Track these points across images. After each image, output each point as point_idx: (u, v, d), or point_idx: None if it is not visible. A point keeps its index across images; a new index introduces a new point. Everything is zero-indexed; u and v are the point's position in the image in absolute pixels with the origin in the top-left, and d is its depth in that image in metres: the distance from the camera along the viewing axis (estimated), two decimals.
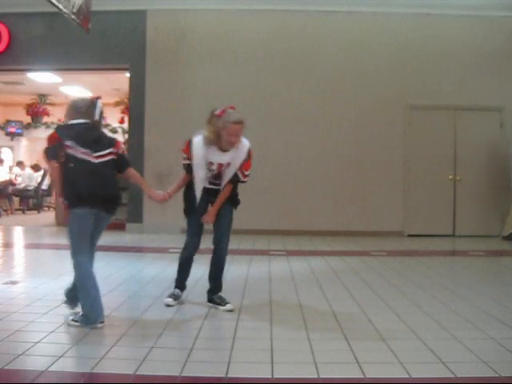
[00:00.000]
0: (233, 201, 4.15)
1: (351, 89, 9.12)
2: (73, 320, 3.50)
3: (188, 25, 9.16)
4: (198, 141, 3.97)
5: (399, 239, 8.86)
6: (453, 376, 2.69)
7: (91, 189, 3.53)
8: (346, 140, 9.12)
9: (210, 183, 4.06)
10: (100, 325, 3.45)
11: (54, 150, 3.54)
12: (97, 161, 3.55)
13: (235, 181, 4.09)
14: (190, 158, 4.00)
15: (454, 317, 3.88)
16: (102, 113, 3.75)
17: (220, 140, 3.90)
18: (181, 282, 4.27)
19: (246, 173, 4.08)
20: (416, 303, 4.27)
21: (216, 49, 9.12)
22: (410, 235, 9.10)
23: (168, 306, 4.04)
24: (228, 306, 4.00)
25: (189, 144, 4.01)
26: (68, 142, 3.50)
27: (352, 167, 9.11)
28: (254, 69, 8.96)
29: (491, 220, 9.19)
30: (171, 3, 9.07)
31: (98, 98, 3.77)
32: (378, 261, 6.57)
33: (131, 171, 3.82)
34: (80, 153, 3.51)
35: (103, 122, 3.85)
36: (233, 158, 3.98)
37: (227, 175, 4.03)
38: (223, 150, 3.94)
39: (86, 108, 3.67)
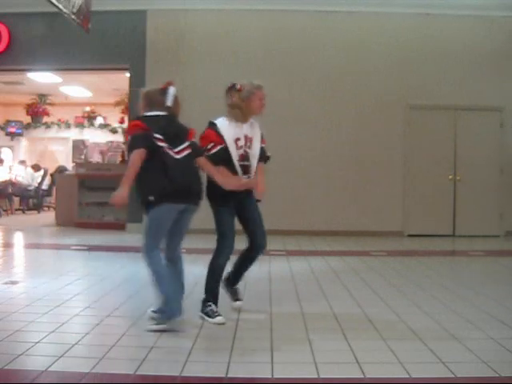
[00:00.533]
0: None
1: (351, 89, 9.12)
2: (154, 324, 3.45)
3: (188, 25, 9.16)
4: (221, 120, 3.80)
5: (399, 239, 8.85)
6: (453, 376, 2.69)
7: (180, 184, 3.40)
8: (346, 140, 9.12)
9: (241, 167, 3.76)
10: (178, 318, 3.42)
11: (144, 136, 3.35)
12: (178, 156, 3.44)
13: (265, 157, 3.97)
14: (219, 141, 3.71)
15: (454, 317, 3.88)
16: (176, 99, 3.59)
17: (243, 112, 3.79)
18: (216, 294, 3.81)
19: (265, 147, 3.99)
20: (416, 303, 4.27)
21: (216, 49, 9.12)
22: (409, 235, 9.10)
23: (222, 323, 3.63)
24: (238, 304, 3.97)
25: (212, 128, 3.78)
26: (157, 135, 3.37)
27: (352, 167, 9.11)
28: (254, 69, 8.95)
29: (491, 220, 9.19)
30: (171, 3, 9.07)
31: (170, 83, 3.60)
32: (378, 261, 6.57)
33: (202, 160, 3.64)
34: (168, 149, 3.40)
35: (179, 110, 3.63)
36: (253, 130, 3.86)
37: (254, 153, 3.83)
38: (242, 122, 3.80)
39: (159, 97, 3.55)
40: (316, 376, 2.69)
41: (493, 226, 9.19)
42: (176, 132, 3.52)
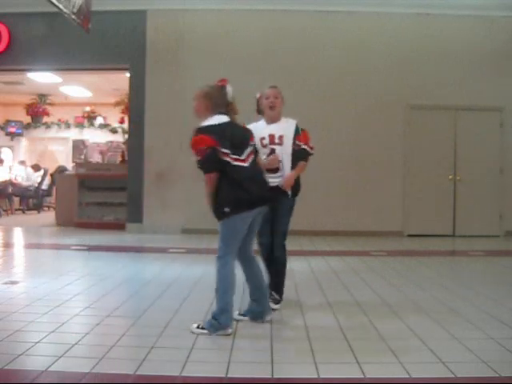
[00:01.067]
0: (292, 188, 4.06)
1: (351, 89, 9.12)
2: (198, 327, 3.40)
3: (188, 25, 9.16)
4: (253, 124, 4.05)
5: (399, 239, 8.85)
6: (453, 376, 2.69)
7: (253, 192, 3.45)
8: (346, 140, 9.11)
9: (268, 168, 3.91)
10: (230, 331, 3.36)
11: (213, 159, 3.37)
12: (246, 164, 3.47)
13: (305, 154, 4.11)
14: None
15: (454, 317, 3.88)
16: (231, 96, 3.61)
17: (261, 114, 4.14)
18: (279, 288, 4.15)
19: (310, 145, 4.18)
20: (416, 303, 4.27)
21: (216, 49, 9.11)
22: (409, 235, 9.10)
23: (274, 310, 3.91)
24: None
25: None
26: (224, 149, 3.38)
27: (352, 167, 9.11)
28: (254, 69, 8.95)
29: (491, 220, 9.19)
30: (171, 3, 9.06)
31: (224, 80, 3.63)
32: (378, 261, 6.57)
33: (259, 159, 3.73)
34: (233, 159, 3.41)
35: (236, 107, 3.64)
36: (283, 129, 4.04)
37: (284, 150, 3.99)
38: (269, 122, 4.09)
39: (220, 95, 3.56)
40: (316, 376, 2.69)
41: (493, 226, 9.18)
42: (241, 140, 3.53)
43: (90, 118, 15.66)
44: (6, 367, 2.69)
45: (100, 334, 3.42)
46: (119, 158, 10.88)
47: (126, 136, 10.68)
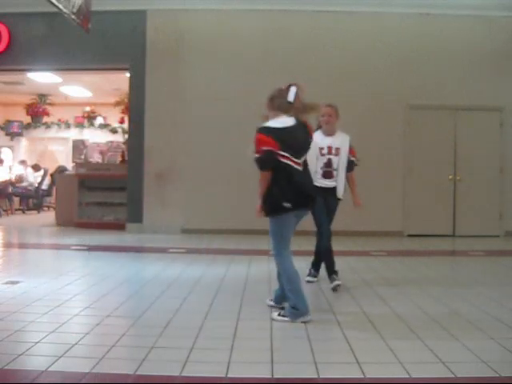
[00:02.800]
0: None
1: (351, 89, 9.12)
2: (280, 315, 3.71)
3: (188, 25, 9.15)
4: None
5: (399, 239, 8.85)
6: (453, 376, 2.69)
7: (303, 194, 3.75)
8: None
9: (324, 175, 4.78)
10: (309, 317, 3.66)
11: (270, 158, 3.63)
12: (300, 167, 3.75)
13: (353, 165, 4.92)
14: None
15: (454, 317, 3.88)
16: (296, 95, 3.84)
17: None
18: (327, 266, 4.85)
19: (357, 157, 4.99)
20: (416, 303, 4.27)
21: (216, 49, 9.12)
22: (409, 235, 9.10)
23: (309, 281, 4.92)
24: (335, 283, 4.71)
25: None
26: (282, 152, 3.64)
27: None
28: (254, 69, 8.95)
29: (491, 220, 9.19)
30: (171, 3, 9.06)
31: (292, 84, 3.88)
32: (378, 261, 6.58)
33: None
34: (292, 162, 3.68)
35: (299, 105, 3.88)
36: (340, 143, 4.84)
37: (341, 163, 4.78)
38: (325, 135, 4.85)
39: (280, 99, 3.82)
40: (316, 376, 2.69)
41: (493, 226, 9.18)
42: (301, 145, 3.78)
43: (90, 118, 15.66)
44: (5, 367, 2.69)
45: (100, 334, 3.42)
46: (119, 158, 10.87)
47: (126, 136, 10.68)
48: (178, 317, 3.78)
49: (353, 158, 4.93)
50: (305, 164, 3.83)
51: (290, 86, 3.90)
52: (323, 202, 4.69)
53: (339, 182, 4.84)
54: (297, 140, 3.73)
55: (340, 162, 4.80)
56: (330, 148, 4.79)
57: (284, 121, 3.74)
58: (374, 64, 9.13)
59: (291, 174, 3.66)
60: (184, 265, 5.97)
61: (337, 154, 4.81)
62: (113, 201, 9.68)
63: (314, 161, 4.60)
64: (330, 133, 4.86)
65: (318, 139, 4.68)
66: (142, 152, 9.12)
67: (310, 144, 3.88)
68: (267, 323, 3.65)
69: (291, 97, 3.83)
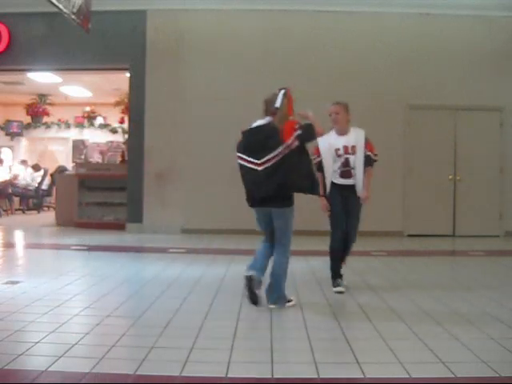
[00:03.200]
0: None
1: (351, 89, 9.11)
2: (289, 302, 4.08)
3: (188, 25, 9.15)
4: (324, 136, 4.50)
5: (399, 239, 8.85)
6: (453, 376, 2.69)
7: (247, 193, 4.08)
8: None
9: (342, 174, 4.68)
10: (290, 303, 4.07)
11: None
12: (261, 168, 3.92)
13: (370, 160, 4.78)
14: (319, 154, 4.71)
15: (454, 317, 3.88)
16: (282, 100, 3.97)
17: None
18: (334, 270, 4.76)
19: (375, 152, 4.87)
20: (416, 303, 4.27)
21: (216, 49, 9.11)
22: (409, 235, 9.10)
23: (340, 292, 4.60)
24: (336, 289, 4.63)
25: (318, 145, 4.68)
26: (240, 154, 4.01)
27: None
28: (254, 69, 8.95)
29: (491, 220, 9.19)
30: (171, 3, 9.06)
31: (282, 88, 4.03)
32: (378, 261, 6.58)
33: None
34: (246, 162, 3.95)
35: (279, 114, 3.98)
36: (355, 140, 4.69)
37: (357, 160, 4.66)
38: (339, 134, 4.72)
39: (270, 104, 4.01)
40: (316, 376, 2.69)
41: (493, 226, 9.18)
42: (257, 147, 3.90)
43: (90, 118, 15.65)
44: (5, 367, 2.69)
45: (100, 334, 3.42)
46: (119, 158, 10.87)
47: (126, 136, 10.68)
48: (178, 317, 3.78)
49: (369, 153, 4.79)
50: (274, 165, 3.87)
51: (280, 90, 4.00)
52: (341, 201, 4.68)
53: (358, 180, 4.73)
54: (250, 141, 3.94)
55: (357, 160, 4.70)
56: (346, 148, 4.68)
57: (257, 122, 4.00)
58: (374, 64, 9.13)
59: (243, 174, 3.98)
60: (184, 265, 5.97)
61: (353, 153, 4.69)
62: (113, 201, 9.68)
63: (330, 162, 4.64)
64: (342, 132, 4.74)
65: (332, 140, 4.67)
66: (142, 152, 9.11)
67: (272, 145, 3.86)
68: (267, 323, 3.65)
69: (278, 102, 3.96)
